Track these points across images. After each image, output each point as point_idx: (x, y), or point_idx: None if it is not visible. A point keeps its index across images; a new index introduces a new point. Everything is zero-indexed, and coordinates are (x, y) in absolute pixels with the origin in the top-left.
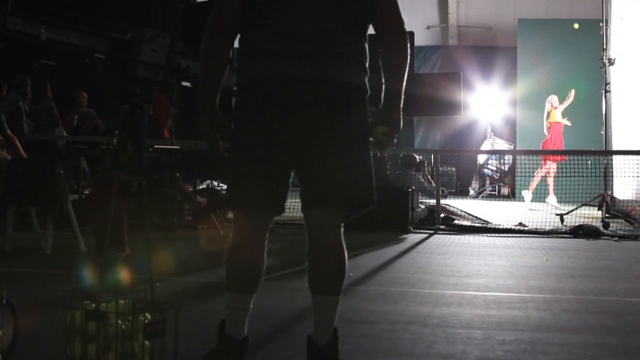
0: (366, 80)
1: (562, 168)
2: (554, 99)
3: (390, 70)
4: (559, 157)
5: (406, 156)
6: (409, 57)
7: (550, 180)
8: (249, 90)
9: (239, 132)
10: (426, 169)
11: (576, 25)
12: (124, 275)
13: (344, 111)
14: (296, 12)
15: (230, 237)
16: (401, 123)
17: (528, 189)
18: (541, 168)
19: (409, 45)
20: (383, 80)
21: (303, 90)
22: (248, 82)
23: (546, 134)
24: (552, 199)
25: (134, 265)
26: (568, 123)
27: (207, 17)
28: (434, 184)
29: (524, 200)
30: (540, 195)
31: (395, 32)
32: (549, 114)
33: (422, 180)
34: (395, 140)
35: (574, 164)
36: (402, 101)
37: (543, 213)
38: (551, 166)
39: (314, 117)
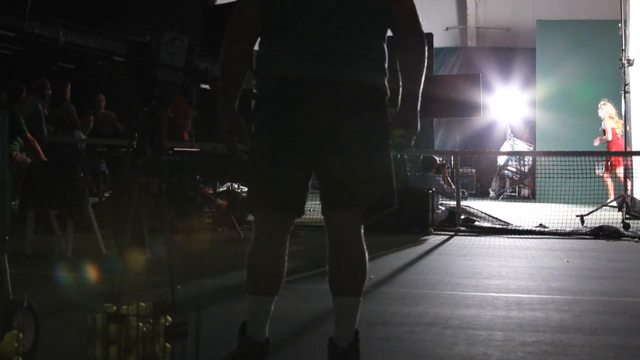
0: (386, 82)
1: (581, 169)
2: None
3: (408, 72)
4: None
5: (426, 158)
6: (426, 59)
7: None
8: (269, 92)
9: (259, 134)
10: (447, 172)
11: None
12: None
13: (364, 112)
14: (317, 14)
15: (252, 239)
16: (418, 125)
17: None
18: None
19: (426, 47)
20: (400, 83)
21: (324, 92)
22: (268, 84)
23: (609, 138)
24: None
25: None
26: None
27: (225, 20)
28: (454, 187)
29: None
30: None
31: (413, 35)
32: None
33: (442, 182)
34: (412, 143)
35: (595, 165)
36: (419, 103)
37: (563, 214)
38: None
39: (334, 119)
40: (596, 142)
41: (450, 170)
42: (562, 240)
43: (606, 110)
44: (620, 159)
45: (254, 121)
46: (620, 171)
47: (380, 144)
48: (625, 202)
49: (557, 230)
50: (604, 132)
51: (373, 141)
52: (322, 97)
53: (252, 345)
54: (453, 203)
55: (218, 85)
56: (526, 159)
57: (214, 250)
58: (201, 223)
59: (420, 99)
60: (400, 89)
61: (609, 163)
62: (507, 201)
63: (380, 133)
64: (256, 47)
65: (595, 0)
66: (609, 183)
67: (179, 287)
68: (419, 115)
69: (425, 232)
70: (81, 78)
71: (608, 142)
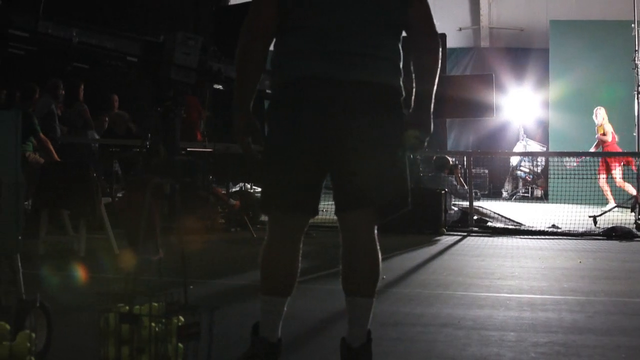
0: (401, 82)
1: (595, 169)
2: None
3: (422, 73)
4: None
5: (439, 158)
6: (440, 60)
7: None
8: (283, 93)
9: (273, 135)
10: (459, 172)
11: None
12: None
13: (379, 113)
14: (333, 14)
15: (265, 240)
16: (432, 126)
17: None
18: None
19: (440, 48)
20: (414, 84)
21: (338, 93)
22: (284, 85)
23: (609, 139)
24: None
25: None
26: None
27: (238, 20)
28: (466, 187)
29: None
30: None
31: (427, 36)
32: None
33: (455, 182)
34: (426, 144)
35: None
36: (432, 104)
37: (576, 215)
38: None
39: (349, 119)
40: (593, 149)
41: (463, 171)
42: (575, 240)
43: (601, 114)
44: (617, 162)
45: (267, 122)
46: (616, 173)
47: (394, 144)
48: (637, 203)
49: (569, 231)
50: (604, 135)
51: (387, 142)
52: (336, 98)
53: (265, 346)
54: (466, 203)
55: (233, 85)
56: (539, 159)
57: (227, 251)
58: (214, 223)
59: (433, 100)
60: (414, 89)
61: (606, 165)
62: (519, 202)
63: (394, 134)
64: (271, 48)
65: (609, 0)
66: (606, 187)
67: (191, 287)
68: (432, 116)
69: (438, 232)
70: (94, 78)
71: (606, 144)
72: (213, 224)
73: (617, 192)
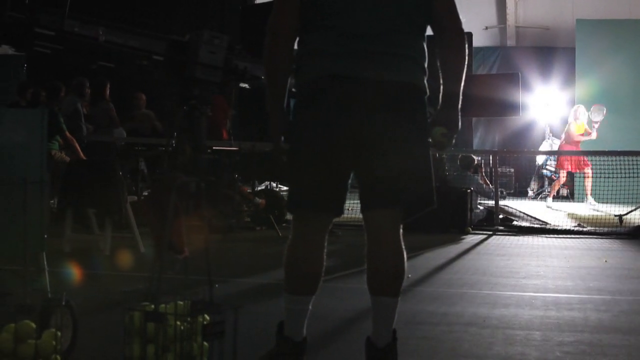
0: (425, 81)
1: (620, 168)
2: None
3: (448, 71)
4: (588, 163)
5: (465, 157)
6: (466, 58)
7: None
8: (308, 92)
9: (298, 134)
10: (483, 172)
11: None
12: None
13: (404, 112)
14: (357, 13)
15: (290, 238)
16: (459, 124)
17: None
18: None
19: (466, 46)
20: (441, 82)
21: (364, 91)
22: (309, 84)
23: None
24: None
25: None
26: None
27: (265, 18)
28: (491, 186)
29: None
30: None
31: (453, 34)
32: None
33: (481, 181)
34: (453, 141)
35: (634, 164)
36: (460, 102)
37: (602, 214)
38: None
39: (374, 118)
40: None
41: (489, 169)
42: (600, 240)
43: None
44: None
45: (293, 121)
46: (588, 171)
47: (419, 143)
48: None
49: (595, 229)
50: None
51: (412, 141)
52: (361, 98)
53: (289, 345)
54: (491, 202)
55: (265, 84)
56: None
57: (252, 249)
58: (240, 222)
59: (461, 97)
60: (441, 87)
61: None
62: (545, 201)
63: (419, 132)
64: (295, 46)
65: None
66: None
67: (217, 286)
68: (460, 114)
69: (463, 231)
70: (120, 77)
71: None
72: (238, 222)
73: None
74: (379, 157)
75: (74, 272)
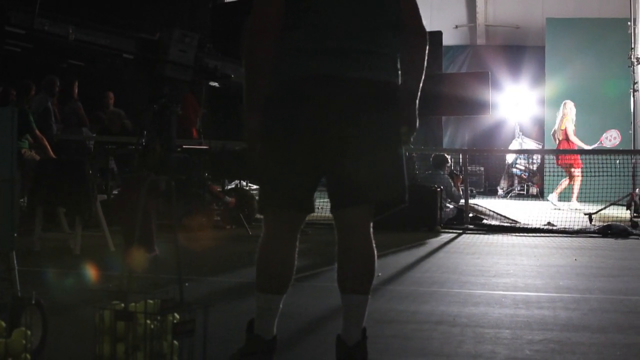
0: (399, 78)
1: (590, 167)
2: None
3: (409, 70)
4: (580, 163)
5: (437, 156)
6: (426, 57)
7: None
8: (282, 90)
9: (270, 132)
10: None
11: None
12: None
13: (378, 110)
14: (336, 12)
15: (261, 237)
16: (417, 122)
17: (555, 193)
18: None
19: (427, 45)
20: (401, 80)
21: (339, 90)
22: (283, 82)
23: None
24: (574, 204)
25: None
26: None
27: (235, 17)
28: (462, 194)
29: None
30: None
31: (414, 33)
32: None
33: (452, 184)
34: (412, 139)
35: (602, 163)
36: (418, 101)
37: (571, 213)
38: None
39: (347, 116)
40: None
41: (458, 168)
42: (570, 238)
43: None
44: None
45: (266, 119)
46: (578, 173)
47: (391, 140)
48: (633, 201)
49: (565, 228)
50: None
51: (385, 139)
52: (336, 95)
53: (260, 343)
54: (461, 202)
55: (244, 83)
56: (534, 157)
57: (222, 248)
58: (209, 221)
59: (419, 97)
60: (401, 85)
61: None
62: (515, 199)
63: (391, 130)
64: None
65: None
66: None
67: (186, 284)
68: (417, 112)
69: (433, 230)
70: (90, 75)
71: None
72: (208, 221)
73: (613, 190)
74: (350, 155)
75: (44, 271)
